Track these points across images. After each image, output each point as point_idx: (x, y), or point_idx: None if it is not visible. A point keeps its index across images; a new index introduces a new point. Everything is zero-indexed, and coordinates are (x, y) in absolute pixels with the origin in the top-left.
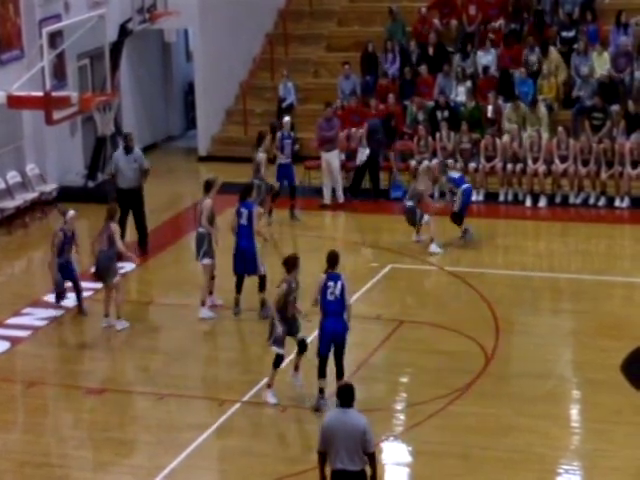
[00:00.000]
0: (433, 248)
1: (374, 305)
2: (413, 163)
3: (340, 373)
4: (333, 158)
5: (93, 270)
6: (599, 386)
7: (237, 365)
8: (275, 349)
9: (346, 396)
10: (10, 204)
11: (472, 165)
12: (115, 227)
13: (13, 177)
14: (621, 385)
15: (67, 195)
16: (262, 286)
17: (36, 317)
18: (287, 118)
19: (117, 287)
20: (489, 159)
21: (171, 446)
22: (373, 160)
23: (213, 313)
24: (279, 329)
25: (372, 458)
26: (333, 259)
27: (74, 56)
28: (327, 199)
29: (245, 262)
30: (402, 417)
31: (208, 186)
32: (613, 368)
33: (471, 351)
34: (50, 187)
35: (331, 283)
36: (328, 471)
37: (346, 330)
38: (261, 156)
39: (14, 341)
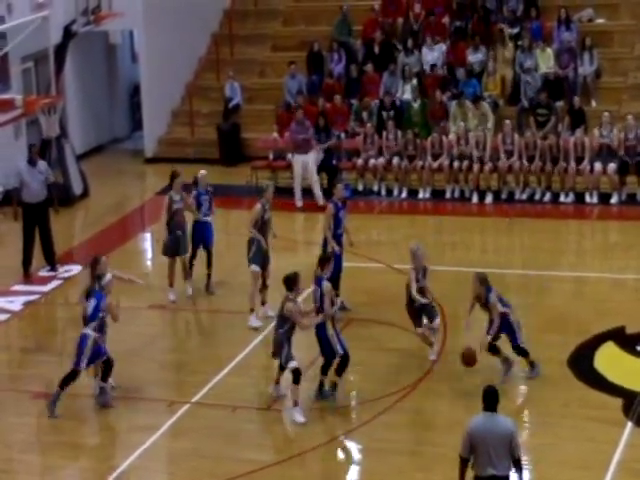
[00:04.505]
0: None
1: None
2: (359, 162)
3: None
4: (309, 160)
5: None
6: (546, 380)
7: (186, 366)
8: (292, 365)
9: (491, 400)
10: None
11: (419, 163)
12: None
13: None
14: (567, 379)
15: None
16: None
17: None
18: (203, 172)
19: None
20: (435, 157)
21: (120, 448)
22: (327, 164)
23: (261, 322)
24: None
25: (519, 463)
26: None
27: (18, 58)
28: (300, 201)
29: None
30: (352, 415)
31: (259, 192)
32: (559, 362)
33: (419, 348)
34: None
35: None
36: (469, 477)
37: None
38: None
39: None
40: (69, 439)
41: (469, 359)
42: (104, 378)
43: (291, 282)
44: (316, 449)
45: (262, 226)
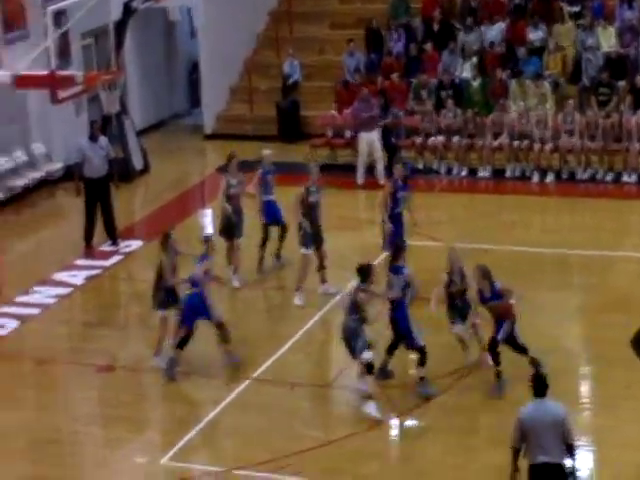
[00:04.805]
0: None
1: (383, 283)
2: (418, 140)
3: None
4: (374, 137)
5: None
6: (607, 362)
7: (246, 343)
8: (366, 357)
9: (540, 386)
10: (17, 183)
11: (479, 141)
12: None
13: (19, 156)
14: (630, 360)
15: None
16: None
17: (45, 295)
18: (267, 151)
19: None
20: (496, 135)
21: (181, 423)
22: (386, 142)
23: (302, 301)
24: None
25: (573, 448)
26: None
27: (78, 35)
28: (361, 178)
29: None
30: (410, 394)
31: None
32: (621, 343)
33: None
34: (56, 166)
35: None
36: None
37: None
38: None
39: (24, 319)
40: (132, 413)
41: (504, 310)
42: (181, 345)
43: (365, 273)
44: (372, 428)
45: (309, 209)
